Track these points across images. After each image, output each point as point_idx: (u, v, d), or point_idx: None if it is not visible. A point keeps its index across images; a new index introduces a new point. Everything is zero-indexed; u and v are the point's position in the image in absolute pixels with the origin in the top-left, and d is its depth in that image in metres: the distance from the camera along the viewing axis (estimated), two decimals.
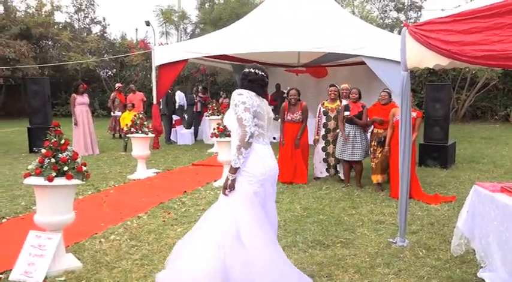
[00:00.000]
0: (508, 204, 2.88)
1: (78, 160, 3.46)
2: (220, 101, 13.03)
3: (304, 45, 8.60)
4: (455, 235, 3.59)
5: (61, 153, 3.38)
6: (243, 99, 2.77)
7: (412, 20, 19.37)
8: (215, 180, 6.52)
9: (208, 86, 19.54)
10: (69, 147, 3.46)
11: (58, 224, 3.37)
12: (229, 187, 2.76)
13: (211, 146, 9.89)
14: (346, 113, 6.10)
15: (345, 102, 6.46)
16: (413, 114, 5.54)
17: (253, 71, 2.92)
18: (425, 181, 6.52)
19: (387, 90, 6.26)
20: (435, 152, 7.69)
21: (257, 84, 2.89)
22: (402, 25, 3.65)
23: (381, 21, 19.71)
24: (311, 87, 13.57)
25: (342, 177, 6.50)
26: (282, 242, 3.74)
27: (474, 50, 2.79)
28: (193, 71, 18.64)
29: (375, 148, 6.05)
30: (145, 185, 6.35)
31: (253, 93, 2.86)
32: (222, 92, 15.33)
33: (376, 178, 6.07)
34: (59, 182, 3.27)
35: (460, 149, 9.73)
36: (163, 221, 4.63)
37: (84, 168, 3.44)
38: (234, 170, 2.74)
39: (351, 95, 6.29)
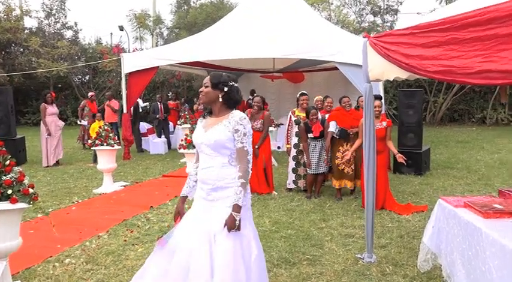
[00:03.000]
0: (469, 222, 2.80)
1: (25, 182, 3.24)
2: (195, 107, 12.65)
3: (277, 52, 8.49)
4: (421, 251, 3.53)
5: (5, 176, 3.16)
6: (249, 127, 2.54)
7: (388, 24, 19.46)
8: None
9: (184, 91, 19.20)
10: (14, 168, 3.24)
11: (3, 252, 3.12)
12: (238, 228, 2.45)
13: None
14: (310, 135, 6.00)
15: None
16: (384, 123, 5.49)
17: (235, 84, 2.61)
18: (398, 189, 6.48)
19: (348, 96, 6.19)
20: (409, 159, 7.54)
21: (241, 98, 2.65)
22: (363, 36, 3.56)
23: (358, 25, 19.77)
24: (288, 94, 13.50)
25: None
26: None
27: (434, 64, 2.70)
28: (168, 77, 18.34)
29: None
30: (110, 200, 6.09)
31: None
32: (196, 99, 14.26)
33: (351, 184, 6.03)
34: (3, 206, 3.04)
35: (436, 154, 9.77)
36: (125, 240, 4.41)
37: (31, 190, 3.22)
38: (240, 209, 2.46)
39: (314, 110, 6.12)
